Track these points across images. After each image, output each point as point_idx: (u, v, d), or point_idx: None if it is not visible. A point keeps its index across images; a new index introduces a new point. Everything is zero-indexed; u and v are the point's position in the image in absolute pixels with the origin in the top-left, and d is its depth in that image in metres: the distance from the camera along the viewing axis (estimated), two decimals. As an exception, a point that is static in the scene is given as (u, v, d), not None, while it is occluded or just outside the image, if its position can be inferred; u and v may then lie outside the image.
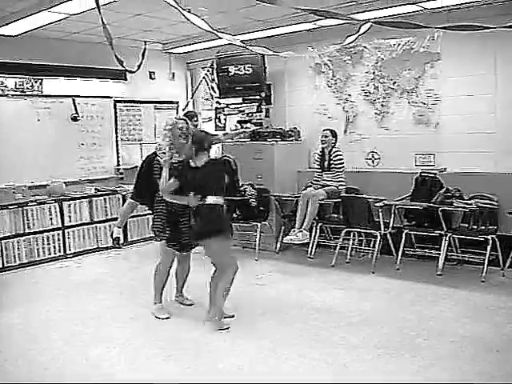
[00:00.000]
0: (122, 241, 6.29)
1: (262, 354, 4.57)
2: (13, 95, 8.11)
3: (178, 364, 4.40)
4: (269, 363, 4.39)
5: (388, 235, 7.05)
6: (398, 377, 4.05)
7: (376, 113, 8.06)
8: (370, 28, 5.91)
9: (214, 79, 9.58)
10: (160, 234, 5.51)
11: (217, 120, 10.03)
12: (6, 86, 8.01)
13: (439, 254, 6.66)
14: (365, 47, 8.02)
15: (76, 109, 8.76)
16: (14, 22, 6.94)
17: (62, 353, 4.68)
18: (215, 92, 9.60)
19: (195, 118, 8.26)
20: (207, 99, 10.47)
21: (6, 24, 7.05)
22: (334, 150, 7.58)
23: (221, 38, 6.01)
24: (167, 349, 4.68)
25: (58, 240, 8.19)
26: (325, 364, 4.33)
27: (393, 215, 7.01)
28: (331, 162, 7.57)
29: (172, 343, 4.82)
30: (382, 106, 7.98)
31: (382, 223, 6.93)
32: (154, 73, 9.96)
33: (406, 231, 6.93)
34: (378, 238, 6.98)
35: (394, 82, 7.81)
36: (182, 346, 4.77)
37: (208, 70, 9.92)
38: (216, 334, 5.01)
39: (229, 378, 4.14)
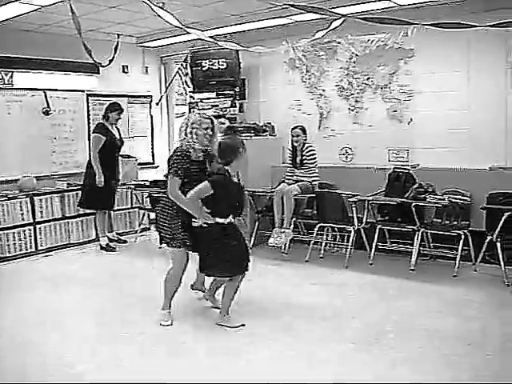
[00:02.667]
0: None
1: (235, 350, 4.55)
2: (-18, 88, 7.99)
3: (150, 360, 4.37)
4: (241, 358, 4.37)
5: (361, 230, 7.07)
6: (371, 370, 4.06)
7: (350, 108, 8.09)
8: (342, 23, 5.94)
9: (187, 73, 9.52)
10: (172, 241, 4.98)
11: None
12: (-26, 80, 7.88)
13: (412, 249, 6.71)
14: (339, 43, 8.04)
15: (48, 102, 8.63)
16: (-17, 13, 6.82)
17: (29, 350, 4.62)
18: (189, 86, 9.55)
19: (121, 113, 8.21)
20: (181, 94, 10.41)
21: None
22: (305, 145, 7.58)
23: (190, 34, 5.99)
24: (143, 344, 4.65)
25: (30, 236, 8.08)
26: (298, 358, 4.34)
27: (366, 210, 7.03)
28: (303, 157, 7.56)
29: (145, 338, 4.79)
30: (356, 101, 8.01)
31: (355, 218, 6.95)
32: (127, 66, 9.86)
33: (379, 226, 6.97)
34: (352, 233, 7.00)
35: (368, 78, 7.85)
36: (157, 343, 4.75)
37: (182, 65, 9.86)
38: (188, 331, 5.01)
39: (205, 376, 4.12)
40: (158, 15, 5.21)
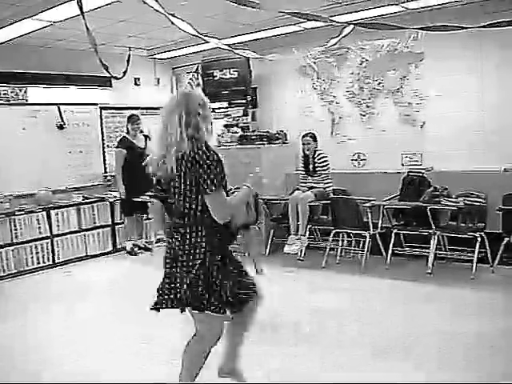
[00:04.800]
0: None
1: (255, 357, 4.56)
2: (-3, 104, 8.08)
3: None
4: (263, 365, 4.38)
5: (377, 235, 7.07)
6: (390, 375, 4.06)
7: (361, 114, 8.09)
8: (352, 30, 5.96)
9: (199, 84, 9.57)
10: (208, 302, 3.20)
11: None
12: (-10, 95, 7.98)
13: (428, 252, 6.69)
14: (349, 49, 8.06)
15: (62, 117, 8.72)
16: (-2, 30, 6.91)
17: (53, 362, 4.66)
18: (201, 96, 9.58)
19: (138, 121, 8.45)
20: (193, 104, 10.44)
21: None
22: (317, 152, 7.60)
23: (207, 42, 6.04)
24: (160, 353, 4.67)
25: (47, 249, 8.15)
26: (318, 365, 4.35)
27: (381, 215, 7.03)
28: (316, 165, 7.58)
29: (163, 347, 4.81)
30: (368, 106, 8.02)
31: (370, 223, 6.95)
32: (138, 79, 9.94)
33: (394, 231, 6.95)
34: (367, 238, 7.01)
35: (379, 83, 7.86)
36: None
37: (193, 75, 9.90)
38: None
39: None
40: (174, 24, 5.23)
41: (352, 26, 5.97)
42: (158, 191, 3.41)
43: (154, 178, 3.35)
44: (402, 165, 7.68)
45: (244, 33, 8.08)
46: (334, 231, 7.36)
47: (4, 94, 8.11)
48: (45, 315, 5.91)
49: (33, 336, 5.30)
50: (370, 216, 6.95)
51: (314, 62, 8.47)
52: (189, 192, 3.11)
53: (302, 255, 7.60)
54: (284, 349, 4.69)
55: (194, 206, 3.14)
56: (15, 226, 7.83)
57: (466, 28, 5.10)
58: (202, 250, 3.13)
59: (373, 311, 5.54)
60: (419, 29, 5.37)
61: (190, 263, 3.12)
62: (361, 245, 7.33)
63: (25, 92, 8.35)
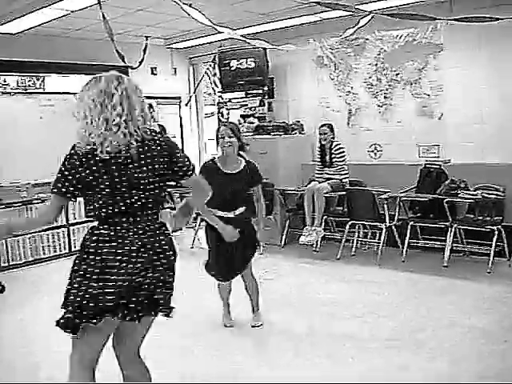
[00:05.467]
0: None
1: (268, 348, 4.57)
2: (15, 93, 8.12)
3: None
4: (275, 356, 4.39)
5: (393, 227, 7.04)
6: (404, 369, 4.05)
7: (379, 105, 8.03)
8: (370, 20, 5.91)
9: (216, 74, 9.56)
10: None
11: (219, 115, 10.01)
12: (8, 84, 8.00)
13: (445, 245, 6.65)
14: (367, 39, 7.98)
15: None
16: (15, 19, 6.93)
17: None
18: (217, 86, 9.59)
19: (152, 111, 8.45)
20: (209, 94, 10.45)
21: (7, 22, 7.05)
22: (334, 143, 7.56)
23: (221, 33, 6.00)
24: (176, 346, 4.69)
25: (64, 237, 8.21)
26: (331, 356, 4.34)
27: (398, 207, 7.00)
28: (332, 155, 7.56)
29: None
30: (385, 97, 7.96)
31: (387, 215, 6.92)
32: (155, 68, 9.93)
33: (411, 223, 6.91)
34: (383, 230, 6.98)
35: (397, 74, 7.79)
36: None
37: (210, 65, 9.89)
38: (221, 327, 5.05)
39: (235, 372, 4.14)
40: (189, 14, 5.22)
41: (370, 15, 5.92)
42: None
43: None
44: (419, 157, 7.61)
45: (260, 23, 8.04)
46: (349, 223, 7.34)
47: (22, 82, 8.14)
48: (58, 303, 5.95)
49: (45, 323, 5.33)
50: (386, 208, 6.92)
51: (331, 53, 8.41)
52: None
53: (318, 246, 7.59)
54: (296, 339, 4.69)
55: None
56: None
57: (502, 19, 5.01)
58: None
59: (388, 304, 5.52)
60: (454, 20, 5.28)
61: None
62: (377, 237, 7.30)
63: (42, 81, 8.38)
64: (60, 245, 8.19)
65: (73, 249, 8.17)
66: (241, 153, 4.87)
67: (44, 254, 8.00)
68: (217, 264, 4.77)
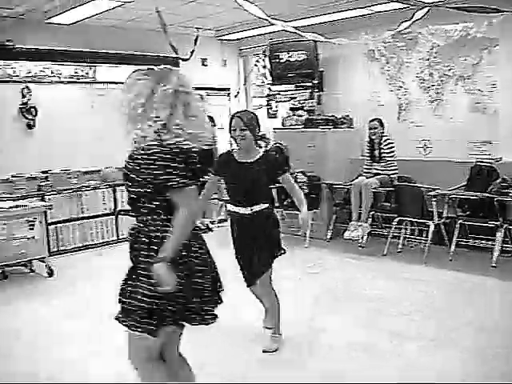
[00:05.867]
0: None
1: (311, 344, 4.56)
2: (68, 82, 8.27)
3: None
4: (319, 352, 4.38)
5: (441, 225, 6.94)
6: (449, 368, 4.01)
7: (430, 100, 7.90)
8: (426, 14, 5.81)
9: (265, 66, 9.55)
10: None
11: (268, 107, 10.01)
12: (61, 74, 8.16)
13: (494, 245, 6.52)
14: (420, 33, 7.85)
15: (129, 96, 8.83)
16: (69, 10, 7.06)
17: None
18: (267, 79, 9.58)
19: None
20: (259, 86, 10.45)
21: (62, 13, 7.18)
22: (383, 138, 7.49)
23: (273, 25, 5.99)
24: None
25: (112, 225, 8.34)
26: (376, 354, 4.32)
27: (446, 205, 6.89)
28: (382, 151, 7.48)
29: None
30: (437, 93, 7.83)
31: (435, 213, 6.81)
32: (206, 59, 9.99)
33: (459, 221, 6.79)
34: (431, 227, 6.87)
35: (450, 69, 7.65)
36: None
37: (260, 57, 9.89)
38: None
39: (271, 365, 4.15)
40: (243, 7, 5.22)
41: (426, 8, 5.82)
42: None
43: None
44: (470, 154, 7.47)
45: (312, 15, 7.99)
46: (397, 219, 7.26)
47: (75, 72, 8.30)
48: (108, 287, 6.06)
49: (89, 307, 5.44)
50: (434, 205, 6.81)
51: (384, 47, 8.31)
52: None
53: (364, 242, 7.53)
54: (338, 336, 4.68)
55: None
56: (82, 201, 8.04)
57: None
58: None
59: (434, 302, 5.45)
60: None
61: None
62: (424, 234, 7.20)
63: (94, 71, 8.52)
64: (108, 232, 8.33)
65: (120, 236, 8.29)
66: (259, 143, 4.31)
67: (92, 240, 8.16)
68: (239, 266, 4.40)
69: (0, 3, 6.72)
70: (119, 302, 2.78)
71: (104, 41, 8.49)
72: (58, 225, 7.83)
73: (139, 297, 2.66)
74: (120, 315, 2.77)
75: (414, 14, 5.94)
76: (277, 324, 4.47)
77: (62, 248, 7.85)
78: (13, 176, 7.60)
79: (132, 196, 2.83)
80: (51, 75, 8.07)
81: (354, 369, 4.06)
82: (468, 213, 6.88)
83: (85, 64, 8.40)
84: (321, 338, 4.67)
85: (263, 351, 4.37)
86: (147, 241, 2.73)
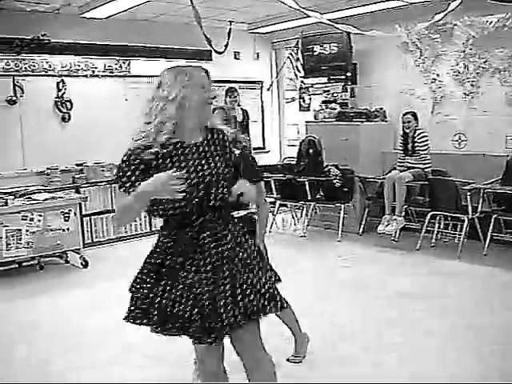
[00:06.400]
0: None
1: (341, 336, 4.56)
2: (102, 76, 8.35)
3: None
4: (348, 345, 4.38)
5: (475, 220, 6.85)
6: (469, 363, 3.97)
7: (465, 93, 7.80)
8: (459, 5, 5.73)
9: (298, 59, 9.51)
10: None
11: (301, 100, 9.98)
12: (96, 67, 8.24)
13: (530, 240, 6.43)
14: (455, 25, 7.75)
15: (162, 89, 8.90)
16: (104, 4, 7.13)
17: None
18: (300, 72, 9.54)
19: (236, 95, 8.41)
20: (291, 79, 10.42)
21: (97, 7, 7.25)
22: (417, 132, 7.41)
23: (309, 17, 5.98)
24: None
25: (145, 217, 8.41)
26: (406, 348, 4.30)
27: (481, 199, 6.79)
28: (415, 144, 7.41)
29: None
30: (472, 85, 7.71)
31: (469, 207, 6.72)
32: (238, 53, 9.99)
33: (494, 216, 6.69)
34: (466, 222, 6.79)
35: (486, 61, 7.53)
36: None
37: (293, 50, 9.85)
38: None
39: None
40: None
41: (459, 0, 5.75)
42: None
43: None
44: (506, 148, 7.36)
45: (346, 7, 7.93)
46: (430, 213, 7.18)
47: (109, 66, 8.38)
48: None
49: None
50: (469, 199, 6.72)
51: (418, 39, 8.21)
52: None
53: (397, 236, 7.48)
54: (369, 329, 4.66)
55: None
56: (115, 193, 8.12)
57: None
58: None
59: (467, 298, 5.40)
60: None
61: None
62: (458, 229, 7.12)
63: (128, 64, 8.59)
64: (141, 224, 8.41)
65: (153, 229, 8.36)
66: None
67: (126, 232, 8.24)
68: None
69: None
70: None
71: (138, 34, 8.54)
72: (93, 217, 7.94)
73: None
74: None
75: (448, 5, 5.86)
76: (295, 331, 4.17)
77: (95, 239, 7.96)
78: (48, 168, 7.72)
79: None
80: (86, 69, 8.15)
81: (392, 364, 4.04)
82: (503, 207, 6.79)
83: (119, 58, 8.47)
84: (348, 333, 4.66)
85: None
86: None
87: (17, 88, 7.55)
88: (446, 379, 3.77)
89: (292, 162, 8.78)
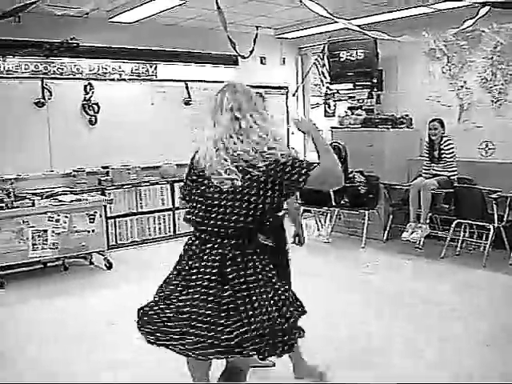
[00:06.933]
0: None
1: (361, 342, 4.54)
2: (129, 79, 8.43)
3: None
4: (366, 356, 4.35)
5: (501, 228, 6.77)
6: (492, 371, 3.93)
7: (493, 100, 7.73)
8: (489, 11, 5.69)
9: (324, 64, 9.50)
10: None
11: (326, 106, 9.97)
12: (123, 71, 8.32)
13: (557, 250, 6.35)
14: (483, 31, 7.68)
15: (189, 93, 8.96)
16: (131, 9, 7.21)
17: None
18: (326, 77, 9.53)
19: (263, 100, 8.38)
20: (317, 85, 10.42)
21: (124, 11, 7.33)
22: (444, 139, 7.36)
23: (335, 22, 5.96)
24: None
25: (169, 220, 8.46)
26: (427, 355, 4.27)
27: (507, 208, 6.72)
28: (442, 151, 7.35)
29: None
30: (500, 93, 7.64)
31: (495, 216, 6.65)
32: (264, 58, 10.00)
33: (521, 225, 6.63)
34: (491, 231, 6.72)
35: (514, 69, 7.47)
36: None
37: (319, 55, 9.85)
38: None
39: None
40: (305, 5, 5.22)
41: (488, 6, 5.70)
42: None
43: None
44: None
45: (373, 14, 7.91)
46: (456, 221, 7.12)
47: (136, 69, 8.45)
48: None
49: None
50: (495, 208, 6.65)
51: (445, 45, 8.16)
52: None
53: (421, 244, 7.43)
54: (390, 336, 4.63)
55: None
56: (140, 196, 8.19)
57: None
58: None
59: (490, 307, 5.34)
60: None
61: None
62: (483, 237, 7.05)
63: (155, 69, 8.66)
64: (165, 227, 8.45)
65: (177, 232, 8.41)
66: None
67: (150, 235, 8.29)
68: None
69: (67, 2, 6.87)
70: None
71: (165, 39, 8.61)
72: (117, 219, 8.00)
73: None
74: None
75: (478, 12, 5.81)
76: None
77: (120, 242, 8.01)
78: (74, 171, 7.81)
79: None
80: (113, 72, 8.24)
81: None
82: (530, 216, 6.72)
83: (146, 62, 8.54)
84: (367, 340, 4.63)
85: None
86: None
87: (45, 91, 7.65)
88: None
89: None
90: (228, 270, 2.66)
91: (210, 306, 2.61)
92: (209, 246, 2.70)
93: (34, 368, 4.26)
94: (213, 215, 2.66)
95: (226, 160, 2.65)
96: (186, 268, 2.76)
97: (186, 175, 2.98)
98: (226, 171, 2.63)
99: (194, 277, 2.69)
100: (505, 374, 3.93)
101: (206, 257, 2.68)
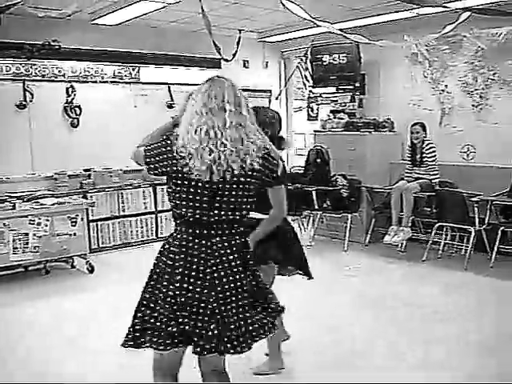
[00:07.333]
0: None
1: (344, 344, 4.55)
2: (112, 82, 8.39)
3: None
4: (348, 358, 4.36)
5: (482, 231, 6.83)
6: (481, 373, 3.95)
7: (473, 105, 7.79)
8: (469, 17, 5.74)
9: (307, 68, 9.53)
10: None
11: (309, 109, 9.99)
12: (105, 74, 8.29)
13: (537, 253, 6.41)
14: (464, 36, 7.75)
15: (171, 96, 8.94)
16: (114, 12, 7.19)
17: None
18: (308, 81, 9.56)
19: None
20: (300, 88, 10.45)
21: (106, 14, 7.31)
22: (425, 142, 7.41)
23: (318, 26, 5.99)
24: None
25: (151, 224, 8.44)
26: (409, 357, 4.29)
27: (489, 211, 6.77)
28: (423, 155, 7.40)
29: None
30: (481, 97, 7.71)
31: (477, 219, 6.71)
32: (247, 61, 10.02)
33: (501, 228, 6.67)
34: (472, 234, 6.77)
35: (495, 73, 7.53)
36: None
37: (302, 59, 9.87)
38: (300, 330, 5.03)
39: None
40: (287, 8, 5.24)
41: (469, 12, 5.76)
42: None
43: None
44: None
45: (354, 18, 7.95)
46: (437, 224, 7.17)
47: (118, 72, 8.42)
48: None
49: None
50: (476, 211, 6.71)
51: (427, 50, 8.22)
52: None
53: (403, 247, 7.47)
54: (372, 339, 4.65)
55: None
56: (123, 199, 8.15)
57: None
58: None
59: (472, 309, 5.39)
60: None
61: None
62: (465, 240, 7.11)
63: (137, 71, 8.63)
64: (148, 230, 8.43)
65: (159, 235, 8.38)
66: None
67: (132, 238, 8.26)
68: None
69: (49, 4, 6.83)
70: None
71: (148, 42, 8.60)
72: (99, 222, 7.95)
73: None
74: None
75: (458, 17, 5.87)
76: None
77: (102, 245, 7.97)
78: (56, 173, 7.76)
79: None
80: (95, 75, 8.20)
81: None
82: (510, 219, 6.77)
83: (128, 64, 8.51)
84: (350, 343, 4.64)
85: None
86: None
87: (27, 93, 7.60)
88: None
89: (299, 171, 8.77)
90: (248, 256, 2.70)
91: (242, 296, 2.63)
92: (217, 238, 2.63)
93: (4, 368, 4.26)
94: (216, 205, 2.58)
95: (224, 148, 2.56)
96: (196, 267, 2.64)
97: (151, 151, 2.86)
98: (224, 160, 2.54)
99: (215, 274, 2.59)
100: (491, 377, 3.96)
101: (222, 251, 2.61)
